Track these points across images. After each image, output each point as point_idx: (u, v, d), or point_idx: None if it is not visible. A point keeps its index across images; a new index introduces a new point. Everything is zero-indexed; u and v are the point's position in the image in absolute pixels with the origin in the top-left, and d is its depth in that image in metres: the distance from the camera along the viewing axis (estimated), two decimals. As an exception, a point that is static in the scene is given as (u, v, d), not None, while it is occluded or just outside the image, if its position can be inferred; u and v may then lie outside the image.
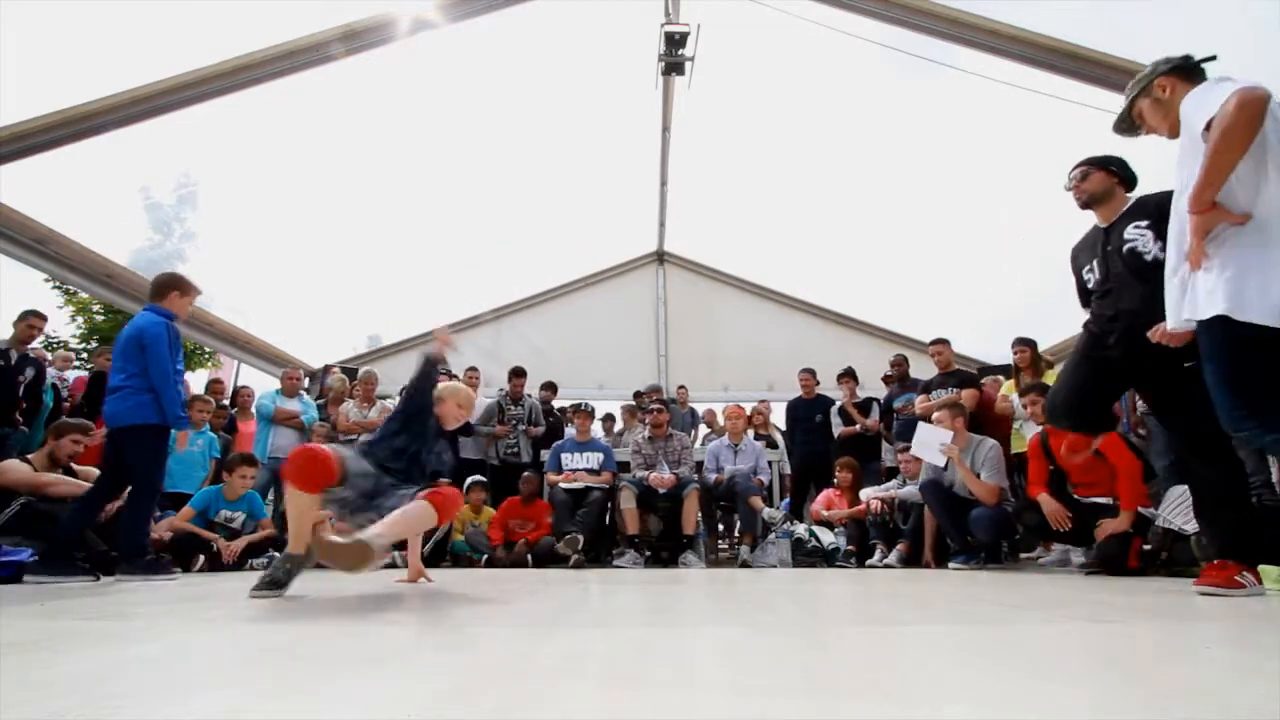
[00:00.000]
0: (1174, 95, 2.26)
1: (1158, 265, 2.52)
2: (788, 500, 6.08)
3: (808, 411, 6.48)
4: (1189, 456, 2.65)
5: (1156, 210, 2.63)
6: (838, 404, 6.49)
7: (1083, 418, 2.92)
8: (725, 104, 6.14)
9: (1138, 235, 2.73)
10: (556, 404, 7.17)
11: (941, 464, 4.50)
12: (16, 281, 7.16)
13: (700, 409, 7.79)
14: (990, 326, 7.05)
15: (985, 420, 5.09)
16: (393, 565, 4.59)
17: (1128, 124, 2.52)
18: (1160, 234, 2.58)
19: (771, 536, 5.00)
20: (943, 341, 5.74)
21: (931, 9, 4.49)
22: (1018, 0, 4.32)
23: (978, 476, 4.32)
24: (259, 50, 4.43)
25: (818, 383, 6.65)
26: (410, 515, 2.29)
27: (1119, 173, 2.87)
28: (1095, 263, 2.86)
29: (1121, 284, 2.76)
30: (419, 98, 5.60)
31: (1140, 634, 1.54)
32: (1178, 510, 3.38)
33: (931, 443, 4.56)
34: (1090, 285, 2.91)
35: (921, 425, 4.81)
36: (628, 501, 5.10)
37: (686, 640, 1.42)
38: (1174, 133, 2.28)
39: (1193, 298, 2.15)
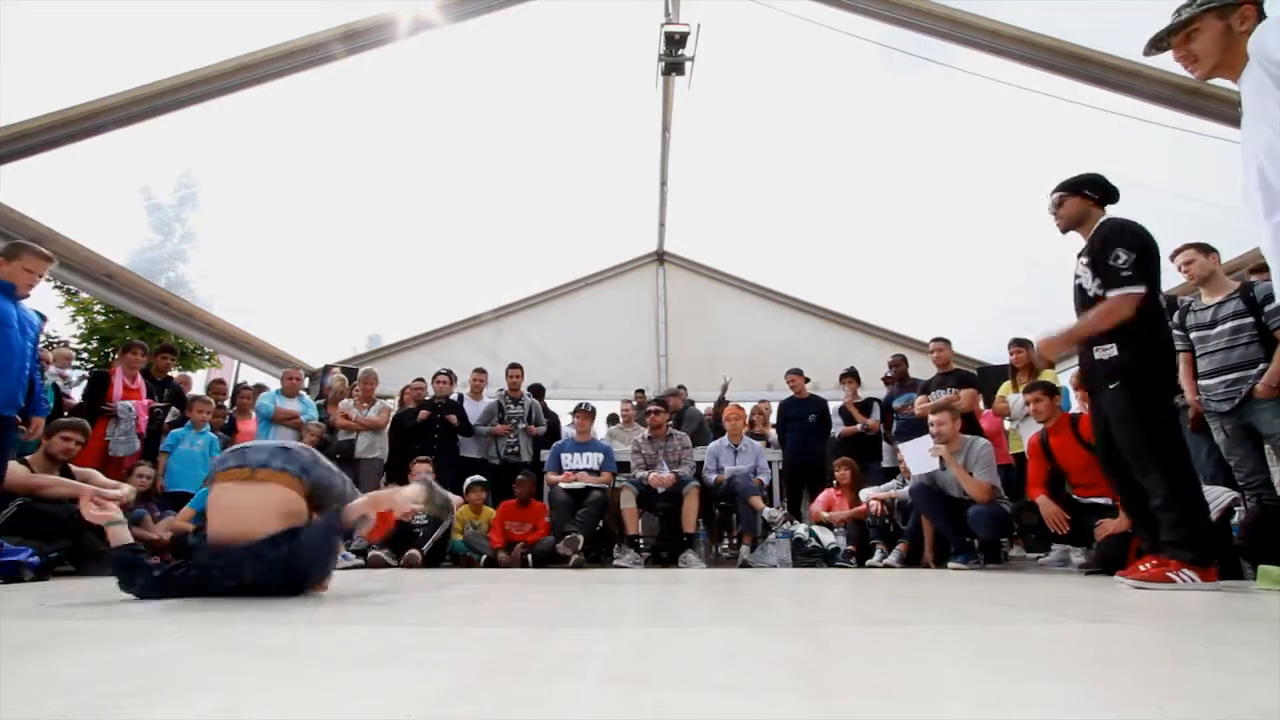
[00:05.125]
0: (1244, 31, 1.83)
1: (1095, 300, 2.86)
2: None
3: (800, 411, 6.48)
4: (1131, 466, 2.86)
5: (1096, 248, 2.88)
6: (839, 404, 6.50)
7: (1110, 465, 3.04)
8: (725, 104, 6.14)
9: (1083, 271, 2.95)
10: (556, 404, 7.18)
11: (936, 467, 4.51)
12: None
13: (701, 409, 7.78)
14: (990, 326, 7.05)
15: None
16: (384, 565, 4.61)
17: (1162, 40, 2.02)
18: (1096, 270, 2.86)
19: (771, 536, 4.99)
20: (942, 340, 5.75)
21: (932, 9, 4.48)
22: (1018, 0, 4.32)
23: (970, 476, 4.32)
24: (259, 50, 4.42)
25: (807, 380, 6.65)
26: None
27: (1092, 194, 3.00)
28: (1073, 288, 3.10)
29: (1077, 314, 3.01)
30: (419, 98, 5.59)
31: (1140, 634, 1.54)
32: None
33: (920, 453, 4.64)
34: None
35: (904, 446, 4.93)
36: (628, 501, 5.10)
37: (686, 640, 1.42)
38: (1215, 72, 1.90)
39: None
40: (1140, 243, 2.80)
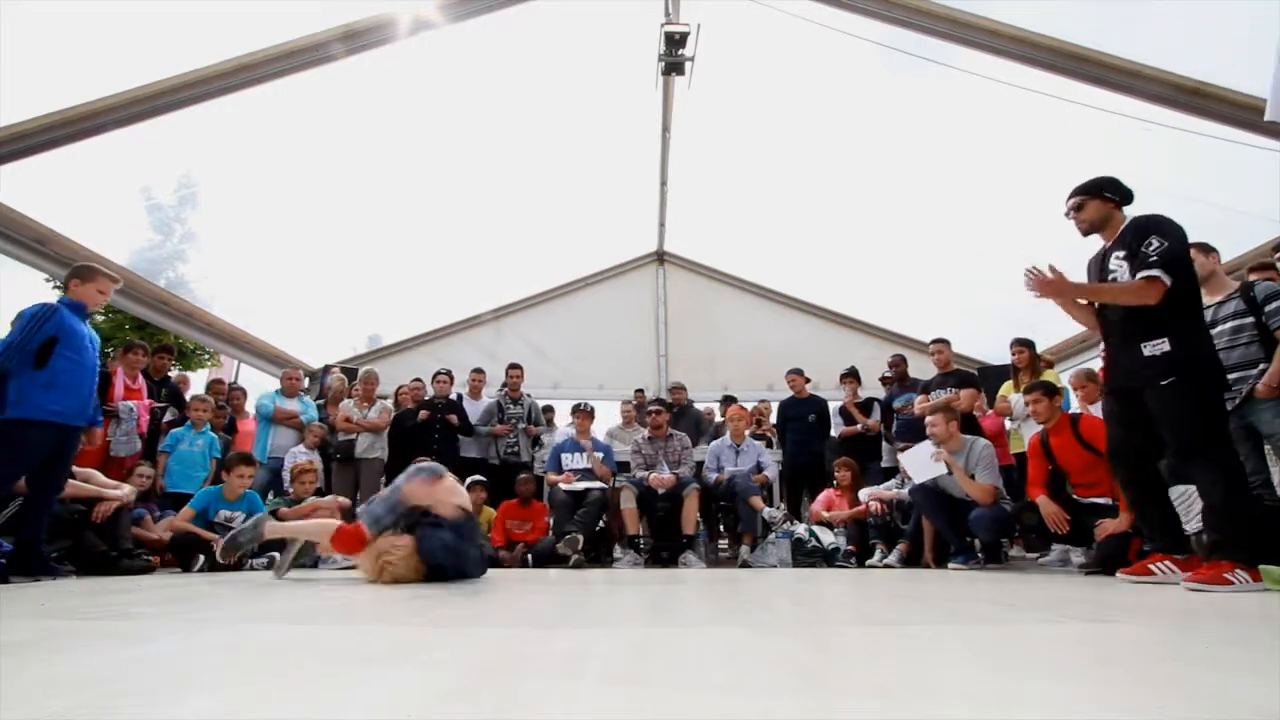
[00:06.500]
0: None
1: None
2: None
3: (800, 411, 6.47)
4: (1181, 467, 2.85)
5: (1131, 239, 2.86)
6: (839, 404, 6.50)
7: (1122, 460, 2.98)
8: (725, 104, 6.13)
9: (1118, 266, 2.90)
10: (557, 404, 7.18)
11: (944, 472, 4.45)
12: (16, 281, 7.15)
13: (700, 409, 7.78)
14: (990, 326, 7.04)
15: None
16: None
17: None
18: (1132, 260, 2.83)
19: (771, 536, 5.00)
20: (943, 341, 5.75)
21: (932, 9, 4.48)
22: (1018, 0, 4.32)
23: (972, 478, 4.31)
24: (259, 50, 4.42)
25: (808, 381, 6.64)
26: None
27: (1113, 196, 2.99)
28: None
29: (1110, 311, 2.94)
30: (419, 98, 5.59)
31: (1140, 634, 1.54)
32: (1178, 510, 3.38)
33: (924, 460, 4.53)
34: (1096, 306, 3.06)
35: (904, 457, 4.84)
36: (628, 501, 5.10)
37: (686, 640, 1.42)
38: None
39: None
40: (1175, 237, 2.79)
